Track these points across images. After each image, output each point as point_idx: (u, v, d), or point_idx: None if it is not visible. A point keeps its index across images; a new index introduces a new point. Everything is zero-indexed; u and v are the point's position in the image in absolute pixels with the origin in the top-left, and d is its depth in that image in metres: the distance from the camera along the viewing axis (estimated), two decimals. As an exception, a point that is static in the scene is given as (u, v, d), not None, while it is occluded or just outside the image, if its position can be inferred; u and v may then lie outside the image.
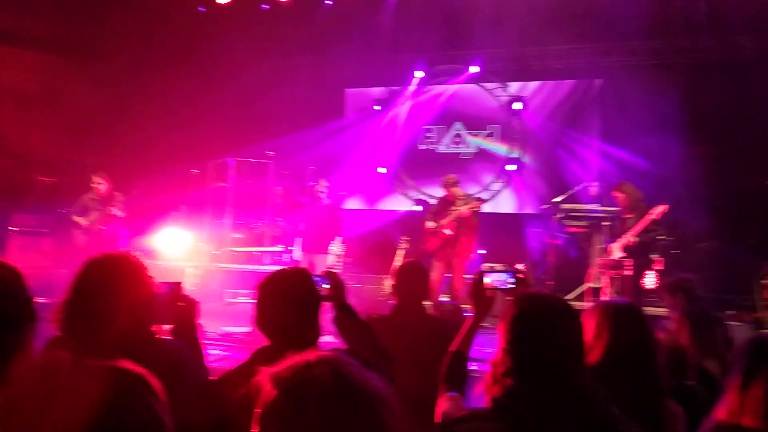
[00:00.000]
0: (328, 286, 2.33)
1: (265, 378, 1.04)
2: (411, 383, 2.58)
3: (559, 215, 8.36)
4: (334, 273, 2.45)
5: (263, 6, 10.82)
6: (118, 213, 7.45)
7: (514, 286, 2.31)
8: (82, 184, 8.06)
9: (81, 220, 7.52)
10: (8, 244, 8.02)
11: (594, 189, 8.60)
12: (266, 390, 1.02)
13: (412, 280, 3.17)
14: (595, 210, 7.89)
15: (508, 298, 2.03)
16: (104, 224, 7.49)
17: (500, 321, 1.61)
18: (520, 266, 8.13)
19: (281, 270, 2.19)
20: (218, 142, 10.60)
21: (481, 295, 2.30)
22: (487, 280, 2.31)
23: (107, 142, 10.17)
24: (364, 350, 2.20)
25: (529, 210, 10.04)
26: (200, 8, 11.06)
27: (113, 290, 1.92)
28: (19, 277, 1.56)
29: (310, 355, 1.06)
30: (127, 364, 1.05)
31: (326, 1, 10.76)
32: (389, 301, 3.34)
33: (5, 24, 10.93)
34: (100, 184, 7.55)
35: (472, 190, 9.80)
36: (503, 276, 2.34)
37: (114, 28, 10.33)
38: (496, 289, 2.31)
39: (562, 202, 8.45)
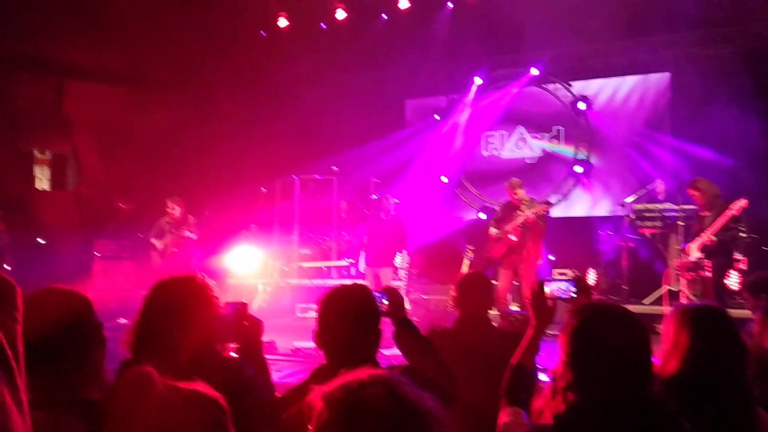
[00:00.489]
0: (387, 302, 2.32)
1: (317, 397, 1.04)
2: (474, 397, 2.54)
3: (631, 216, 8.04)
4: (393, 288, 2.44)
5: (321, 25, 11.08)
6: (191, 236, 7.71)
7: (576, 295, 2.23)
8: (158, 209, 8.45)
9: (157, 243, 7.85)
10: (93, 268, 8.50)
11: (660, 186, 8.22)
12: (318, 409, 1.02)
13: (474, 292, 3.11)
14: (670, 209, 7.55)
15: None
16: (178, 247, 7.78)
17: (560, 332, 1.55)
18: (591, 272, 7.89)
19: (341, 286, 2.21)
20: (284, 160, 10.88)
21: (541, 305, 2.23)
22: (548, 289, 2.24)
23: (180, 167, 10.65)
24: (426, 367, 2.18)
25: (599, 212, 9.71)
26: (262, 33, 11.45)
27: (179, 312, 1.98)
28: (89, 304, 1.65)
29: (362, 374, 1.05)
30: (206, 388, 1.09)
31: (382, 15, 10.88)
32: (453, 313, 3.29)
33: (83, 61, 11.68)
34: (174, 209, 7.83)
35: (539, 194, 9.59)
36: (565, 285, 2.27)
37: (182, 58, 10.83)
38: (557, 298, 2.24)
39: (634, 202, 8.14)
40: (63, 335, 1.42)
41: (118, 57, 11.72)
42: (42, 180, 12.16)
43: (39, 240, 10.32)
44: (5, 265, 7.03)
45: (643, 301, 7.50)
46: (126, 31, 10.85)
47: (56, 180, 12.23)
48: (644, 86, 9.94)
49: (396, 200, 7.66)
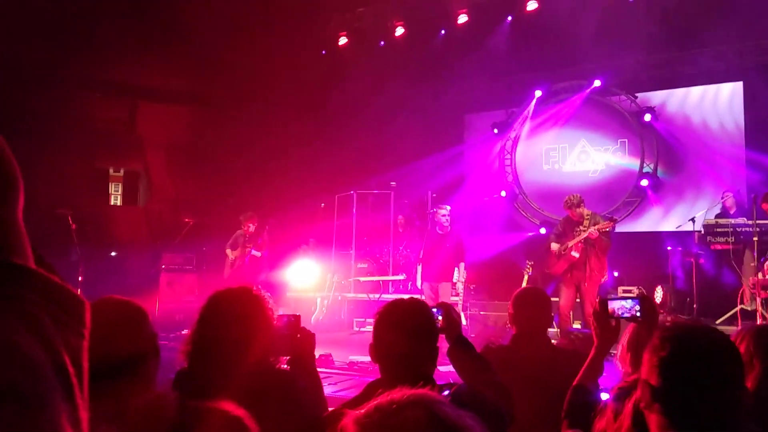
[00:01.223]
0: (441, 318, 2.29)
1: (350, 422, 0.99)
2: (531, 417, 2.46)
3: (701, 232, 7.67)
4: (448, 305, 2.41)
5: (380, 42, 11.22)
6: (256, 254, 7.99)
7: (640, 314, 2.13)
8: (222, 223, 8.73)
9: (229, 254, 8.17)
10: (160, 280, 8.84)
11: (729, 199, 7.82)
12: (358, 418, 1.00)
13: (530, 308, 3.02)
14: (744, 224, 7.15)
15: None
16: (245, 259, 8.04)
17: (648, 352, 1.44)
18: (658, 290, 7.56)
19: (398, 300, 2.20)
20: (343, 176, 11.03)
21: (604, 324, 2.15)
22: (611, 307, 2.16)
23: (243, 183, 10.98)
24: (481, 386, 2.13)
25: (667, 227, 9.33)
26: (323, 51, 11.71)
27: (234, 323, 2.03)
28: (144, 314, 1.70)
29: (398, 395, 1.02)
30: (228, 406, 1.08)
31: (441, 31, 10.92)
32: (511, 330, 3.22)
33: (155, 83, 12.25)
34: (248, 224, 8.13)
35: (603, 208, 9.31)
36: (629, 303, 2.17)
37: (247, 78, 11.21)
38: (620, 317, 2.15)
39: (705, 217, 7.77)
40: (118, 345, 1.47)
41: (187, 79, 12.24)
42: (115, 196, 12.77)
43: (111, 253, 10.83)
44: (79, 278, 7.41)
45: (716, 322, 7.12)
46: (194, 55, 11.34)
47: (128, 196, 12.82)
48: (714, 96, 9.52)
49: (447, 208, 7.51)
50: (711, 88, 9.54)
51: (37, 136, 8.68)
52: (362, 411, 0.98)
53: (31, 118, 8.55)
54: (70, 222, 7.70)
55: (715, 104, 9.50)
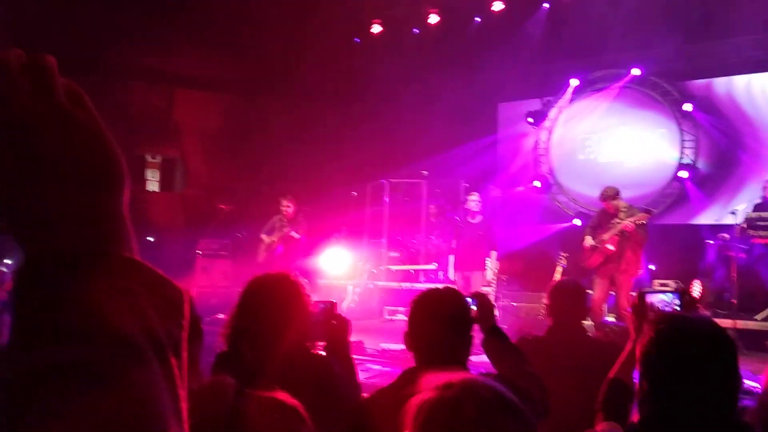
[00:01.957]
0: (476, 308, 2.29)
1: (415, 404, 1.04)
2: (566, 408, 2.45)
3: (743, 225, 7.47)
4: (483, 294, 2.40)
5: (414, 30, 11.16)
6: (295, 235, 7.96)
7: (680, 308, 2.10)
8: (257, 210, 8.82)
9: (265, 238, 8.18)
10: (196, 265, 9.01)
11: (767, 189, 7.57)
12: (418, 413, 1.02)
13: (567, 300, 3.00)
14: (788, 218, 6.94)
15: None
16: (283, 244, 8.04)
17: (638, 347, 1.47)
18: (695, 284, 7.41)
19: (433, 288, 2.21)
20: (375, 164, 11.05)
21: (642, 317, 2.12)
22: (650, 300, 2.13)
23: (277, 170, 11.09)
24: (515, 377, 2.13)
25: (706, 220, 9.10)
26: (356, 39, 11.70)
27: (273, 308, 2.07)
28: (190, 298, 1.74)
29: (454, 377, 1.05)
30: (284, 396, 1.10)
31: (475, 18, 10.80)
32: (544, 322, 3.20)
33: (189, 71, 12.43)
34: (288, 207, 8.09)
35: (641, 200, 9.13)
36: (669, 296, 2.14)
37: (281, 67, 11.29)
38: (659, 311, 2.12)
39: (746, 209, 7.55)
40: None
41: (223, 67, 12.39)
42: (152, 182, 13.03)
43: (148, 238, 11.07)
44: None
45: (755, 317, 6.95)
46: (230, 43, 11.45)
47: (165, 182, 13.07)
48: (757, 85, 9.21)
49: (477, 194, 7.43)
50: (754, 77, 9.23)
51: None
52: (426, 396, 1.02)
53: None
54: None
55: (759, 93, 9.19)
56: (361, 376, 4.93)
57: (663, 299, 2.11)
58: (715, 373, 1.37)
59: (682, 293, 2.12)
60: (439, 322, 1.99)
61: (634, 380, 2.21)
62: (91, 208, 0.50)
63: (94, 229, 0.50)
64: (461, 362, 2.01)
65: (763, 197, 7.62)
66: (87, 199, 0.50)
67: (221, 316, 3.94)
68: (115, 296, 0.46)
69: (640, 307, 2.11)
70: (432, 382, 1.06)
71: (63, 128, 0.50)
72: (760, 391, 1.68)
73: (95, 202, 0.50)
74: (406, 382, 1.84)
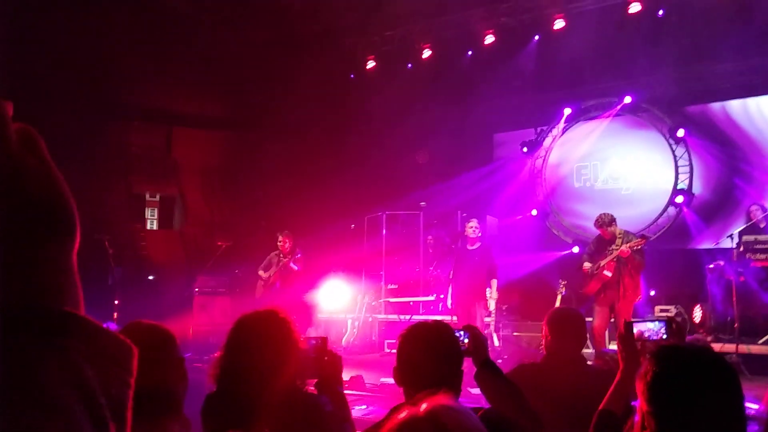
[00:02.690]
0: (468, 341, 2.27)
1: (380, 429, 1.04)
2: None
3: (741, 248, 7.46)
4: (474, 327, 2.38)
5: (407, 65, 11.33)
6: (294, 267, 7.97)
7: (666, 336, 2.10)
8: (254, 246, 8.82)
9: (262, 274, 8.20)
10: (194, 303, 8.97)
11: (757, 212, 7.59)
12: None
13: (565, 328, 2.97)
14: (785, 240, 6.94)
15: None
16: (281, 280, 8.05)
17: (639, 378, 1.44)
18: (696, 309, 7.36)
19: (419, 322, 2.20)
20: (372, 197, 11.09)
21: (630, 347, 2.11)
22: (638, 330, 2.13)
23: (275, 206, 11.12)
24: (509, 410, 2.10)
25: (704, 245, 9.10)
26: (351, 75, 11.88)
27: (260, 346, 2.05)
28: (173, 339, 1.73)
29: (418, 410, 1.04)
30: None
31: (467, 51, 10.98)
32: (543, 350, 3.16)
33: (187, 109, 12.58)
34: (284, 242, 8.14)
35: (636, 227, 9.13)
36: (656, 325, 2.14)
37: (277, 103, 11.43)
38: (646, 340, 2.12)
39: (743, 233, 7.56)
40: (145, 369, 1.50)
41: (221, 105, 12.55)
42: (151, 221, 13.06)
43: (149, 277, 11.05)
44: (115, 301, 7.58)
45: (758, 341, 6.89)
46: (228, 82, 11.63)
47: (164, 220, 13.10)
48: (749, 110, 9.31)
49: (475, 221, 7.35)
50: (745, 102, 9.34)
51: (75, 162, 8.97)
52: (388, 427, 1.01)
53: (69, 145, 8.84)
54: (107, 247, 7.89)
55: (750, 118, 9.29)
56: (361, 412, 4.87)
57: (650, 328, 2.11)
58: (723, 403, 1.35)
59: (668, 322, 2.12)
60: (428, 355, 1.97)
61: (633, 409, 2.19)
62: (30, 260, 0.47)
63: (31, 282, 0.46)
64: (453, 395, 1.99)
65: (750, 220, 7.65)
66: (26, 250, 0.46)
67: (215, 355, 3.90)
68: (48, 357, 0.43)
69: (627, 337, 2.10)
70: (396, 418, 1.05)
71: (8, 175, 0.47)
72: (762, 413, 1.66)
73: (36, 253, 0.47)
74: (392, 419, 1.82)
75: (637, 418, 1.43)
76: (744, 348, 6.65)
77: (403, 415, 1.04)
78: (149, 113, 12.58)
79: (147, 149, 12.90)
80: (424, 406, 1.03)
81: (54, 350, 0.44)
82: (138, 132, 12.74)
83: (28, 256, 0.47)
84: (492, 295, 7.14)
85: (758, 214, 7.61)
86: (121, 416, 0.47)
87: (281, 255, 8.13)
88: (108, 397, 0.46)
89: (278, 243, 8.14)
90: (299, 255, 8.08)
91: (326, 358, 2.40)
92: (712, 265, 8.07)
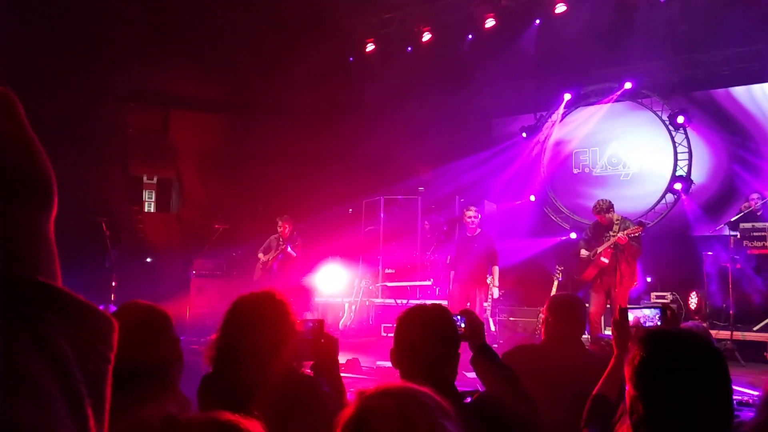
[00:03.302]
0: (464, 326, 2.27)
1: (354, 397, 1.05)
2: (561, 422, 2.43)
3: (738, 235, 7.47)
4: (471, 312, 2.38)
5: (407, 48, 11.25)
6: (291, 252, 7.99)
7: (660, 323, 2.10)
8: (252, 229, 8.82)
9: (262, 257, 8.23)
10: (191, 286, 8.98)
11: (754, 201, 7.59)
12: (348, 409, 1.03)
13: (566, 314, 2.97)
14: (782, 228, 6.95)
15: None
16: (279, 263, 8.08)
17: (627, 363, 1.44)
18: (692, 296, 7.39)
19: (419, 305, 2.20)
20: (371, 181, 11.06)
21: (624, 333, 2.12)
22: (632, 316, 2.13)
23: (273, 189, 11.10)
24: (504, 394, 2.10)
25: (702, 232, 9.11)
26: (350, 58, 11.79)
27: (257, 327, 2.04)
28: (168, 319, 1.73)
29: (392, 383, 1.05)
30: (227, 416, 0.99)
31: (468, 35, 10.90)
32: (540, 337, 3.17)
33: (185, 91, 12.50)
34: (284, 227, 8.15)
35: (634, 213, 9.15)
36: (651, 312, 2.14)
37: (277, 86, 11.35)
38: (641, 326, 2.12)
39: (741, 220, 7.57)
40: (141, 350, 1.49)
41: (219, 87, 12.46)
42: (149, 203, 13.03)
43: (146, 259, 11.05)
44: (112, 283, 7.58)
45: (753, 328, 6.93)
46: (226, 64, 11.53)
47: (161, 203, 13.07)
48: (749, 97, 9.28)
49: (474, 209, 7.28)
50: (746, 89, 9.30)
51: (72, 144, 8.92)
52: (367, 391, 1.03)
53: (66, 127, 8.79)
54: (105, 229, 7.88)
55: (750, 105, 9.26)
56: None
57: (646, 314, 2.11)
58: (709, 387, 1.34)
59: (663, 309, 2.13)
60: (425, 338, 1.97)
61: (621, 395, 2.20)
62: (5, 226, 0.44)
63: (6, 250, 0.44)
64: (447, 378, 1.99)
65: (749, 208, 7.64)
66: (1, 216, 0.44)
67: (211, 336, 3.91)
68: (19, 327, 0.41)
69: (622, 323, 2.11)
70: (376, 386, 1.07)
71: None
72: (759, 400, 1.66)
73: (11, 219, 0.44)
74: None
75: (627, 402, 1.43)
76: (738, 335, 6.69)
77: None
78: (146, 95, 12.50)
79: (144, 131, 12.84)
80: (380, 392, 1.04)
81: (26, 322, 0.42)
82: (135, 114, 12.67)
83: (1, 223, 0.44)
84: (494, 282, 7.12)
85: (757, 203, 7.61)
86: (99, 393, 0.44)
87: (281, 239, 8.14)
88: (85, 372, 0.43)
89: (278, 228, 8.15)
90: (298, 241, 8.09)
91: (323, 340, 2.41)
92: (709, 252, 8.10)
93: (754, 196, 7.74)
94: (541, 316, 3.09)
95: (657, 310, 2.11)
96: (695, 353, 1.37)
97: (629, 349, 2.11)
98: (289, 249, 7.96)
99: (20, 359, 0.40)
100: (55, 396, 0.40)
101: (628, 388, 1.41)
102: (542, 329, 3.07)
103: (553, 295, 3.11)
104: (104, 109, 11.88)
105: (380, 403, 0.98)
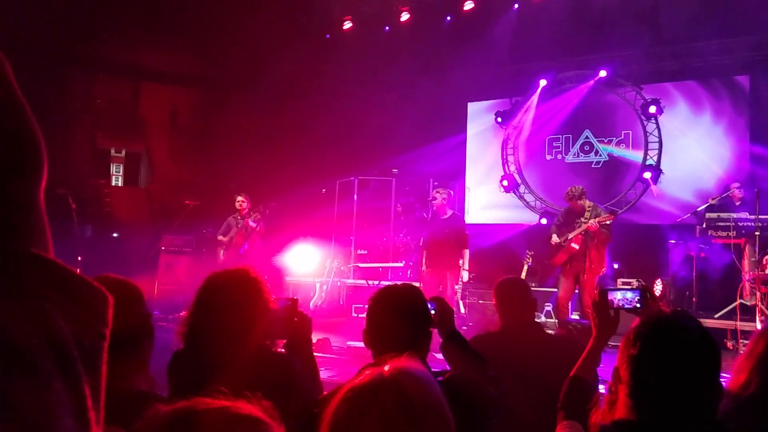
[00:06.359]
0: (434, 312, 2.26)
1: (344, 387, 1.03)
2: (526, 405, 2.46)
3: (703, 225, 7.65)
4: (442, 299, 2.39)
5: (385, 28, 11.14)
6: (253, 225, 7.89)
7: (640, 305, 2.12)
8: (222, 206, 8.70)
9: (222, 238, 8.10)
10: (160, 262, 8.84)
11: (737, 192, 7.76)
12: (337, 398, 1.01)
13: (513, 296, 3.01)
14: (746, 218, 7.13)
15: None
16: (242, 240, 7.98)
17: (621, 346, 1.45)
18: (657, 283, 7.56)
19: (391, 285, 2.19)
20: (345, 162, 11.00)
21: (604, 314, 2.13)
22: (611, 298, 2.14)
23: (245, 166, 10.95)
24: (471, 377, 2.12)
25: (668, 220, 9.30)
26: (326, 36, 11.63)
27: (231, 304, 2.01)
28: (140, 295, 1.68)
29: (381, 371, 1.03)
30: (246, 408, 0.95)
31: (446, 17, 10.84)
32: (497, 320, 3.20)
33: (156, 65, 12.19)
34: (243, 202, 8.07)
35: (605, 200, 9.29)
36: (630, 294, 2.16)
37: (250, 62, 11.14)
38: (620, 308, 2.14)
39: (707, 210, 7.74)
40: (113, 325, 1.45)
41: (191, 61, 12.19)
42: (116, 177, 12.75)
43: (114, 234, 10.83)
44: (78, 258, 7.41)
45: (715, 316, 7.13)
46: (198, 37, 11.27)
47: (129, 177, 12.81)
48: (720, 89, 9.45)
49: (442, 190, 7.24)
50: (717, 81, 9.47)
51: (38, 115, 8.62)
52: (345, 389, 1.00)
53: (33, 97, 8.49)
54: (71, 202, 7.68)
55: (720, 97, 9.43)
56: (327, 374, 4.90)
57: (625, 296, 2.12)
58: (704, 374, 1.36)
59: (643, 291, 2.14)
60: (397, 317, 1.97)
61: (598, 378, 2.23)
62: None
63: None
64: (420, 357, 1.99)
65: (729, 198, 7.79)
66: None
67: (183, 313, 3.85)
68: (13, 301, 0.40)
69: (602, 304, 2.12)
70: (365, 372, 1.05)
71: None
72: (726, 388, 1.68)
73: (3, 188, 0.43)
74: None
75: (606, 388, 1.44)
76: (701, 322, 6.86)
77: (366, 374, 1.03)
78: (116, 67, 12.17)
79: (113, 104, 12.52)
80: (387, 368, 1.01)
81: (21, 296, 0.40)
82: (104, 86, 12.34)
83: None
84: (464, 266, 7.12)
85: (737, 194, 7.75)
86: (95, 370, 0.43)
87: (238, 216, 8.07)
88: (81, 349, 0.42)
89: (236, 205, 8.08)
90: (258, 215, 7.99)
91: (296, 319, 2.39)
92: (674, 241, 8.28)
93: (735, 185, 7.89)
94: (492, 301, 3.11)
95: (637, 293, 2.13)
96: (697, 346, 1.37)
97: (613, 331, 2.13)
98: (250, 222, 7.87)
99: (17, 337, 0.38)
100: (52, 374, 0.39)
101: (621, 371, 1.41)
102: (495, 313, 3.10)
103: (498, 281, 3.12)
104: (72, 79, 11.53)
105: (382, 397, 0.96)
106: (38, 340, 0.39)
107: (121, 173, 12.75)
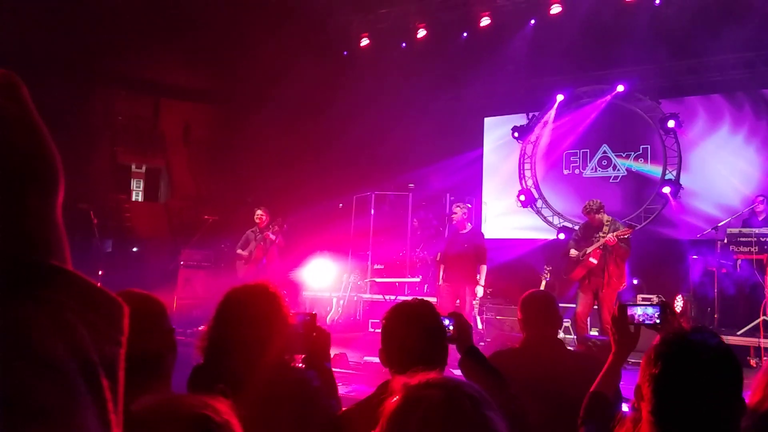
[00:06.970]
0: (453, 328, 2.25)
1: (398, 386, 1.06)
2: (545, 421, 2.43)
3: (724, 241, 7.54)
4: (459, 314, 2.37)
5: (402, 44, 11.21)
6: (272, 237, 7.95)
7: (660, 321, 2.09)
8: (241, 221, 8.77)
9: (242, 252, 8.17)
10: (179, 276, 8.91)
11: (760, 206, 7.65)
12: (393, 398, 1.04)
13: (538, 311, 2.98)
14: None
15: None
16: (261, 254, 8.04)
17: (642, 364, 1.43)
18: (678, 299, 7.45)
19: (404, 301, 2.19)
20: (362, 177, 11.03)
21: (623, 330, 2.11)
22: (632, 313, 2.12)
23: (263, 182, 11.04)
24: (492, 396, 2.10)
25: (689, 236, 9.18)
26: (344, 52, 11.73)
27: (250, 319, 2.02)
28: (164, 310, 1.70)
29: (431, 375, 1.05)
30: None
31: (463, 33, 10.88)
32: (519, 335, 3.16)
33: (176, 81, 12.38)
34: (261, 216, 8.14)
35: (623, 215, 9.20)
36: (650, 310, 2.13)
37: (268, 78, 11.27)
38: (640, 324, 2.11)
39: (728, 225, 7.63)
40: (136, 339, 1.46)
41: (210, 78, 12.36)
42: (137, 192, 12.92)
43: (133, 249, 10.95)
44: (99, 272, 7.50)
45: (737, 332, 7.00)
46: (217, 53, 11.44)
47: (149, 192, 12.97)
48: (739, 103, 9.36)
49: (461, 205, 7.23)
50: (736, 95, 9.38)
51: (60, 131, 8.79)
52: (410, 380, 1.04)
53: (55, 114, 8.67)
54: (92, 217, 7.79)
55: (740, 111, 9.34)
56: (343, 389, 4.89)
57: (646, 312, 2.10)
58: (724, 395, 1.35)
59: (663, 307, 2.11)
60: (413, 333, 1.97)
61: (621, 396, 2.20)
62: (16, 211, 0.44)
63: (19, 235, 0.44)
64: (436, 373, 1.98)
65: (753, 212, 7.68)
66: (12, 201, 0.44)
67: (202, 327, 3.87)
68: (38, 311, 0.41)
69: (621, 319, 2.09)
70: (407, 382, 1.07)
71: None
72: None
73: (22, 204, 0.45)
74: (382, 391, 1.82)
75: (630, 406, 1.43)
76: (723, 339, 6.74)
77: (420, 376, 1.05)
78: (137, 83, 12.38)
79: (134, 119, 12.73)
80: (428, 382, 1.04)
81: (45, 306, 0.42)
82: (125, 102, 12.56)
83: (11, 208, 0.44)
84: (480, 281, 7.06)
85: (760, 208, 7.65)
86: (114, 376, 0.45)
87: (257, 230, 8.13)
88: (101, 355, 0.44)
89: (255, 218, 8.15)
90: (277, 228, 8.04)
91: (315, 334, 2.39)
92: (695, 256, 8.16)
93: (759, 198, 7.78)
94: (517, 315, 3.08)
95: (657, 308, 2.10)
96: (718, 364, 1.36)
97: (633, 346, 2.10)
98: (270, 235, 7.93)
99: (42, 343, 0.40)
100: (76, 379, 0.41)
101: (643, 390, 1.39)
102: (519, 328, 3.06)
103: (524, 294, 3.09)
104: (94, 95, 11.75)
105: (427, 393, 0.99)
106: (63, 348, 0.41)
107: (141, 188, 12.92)
